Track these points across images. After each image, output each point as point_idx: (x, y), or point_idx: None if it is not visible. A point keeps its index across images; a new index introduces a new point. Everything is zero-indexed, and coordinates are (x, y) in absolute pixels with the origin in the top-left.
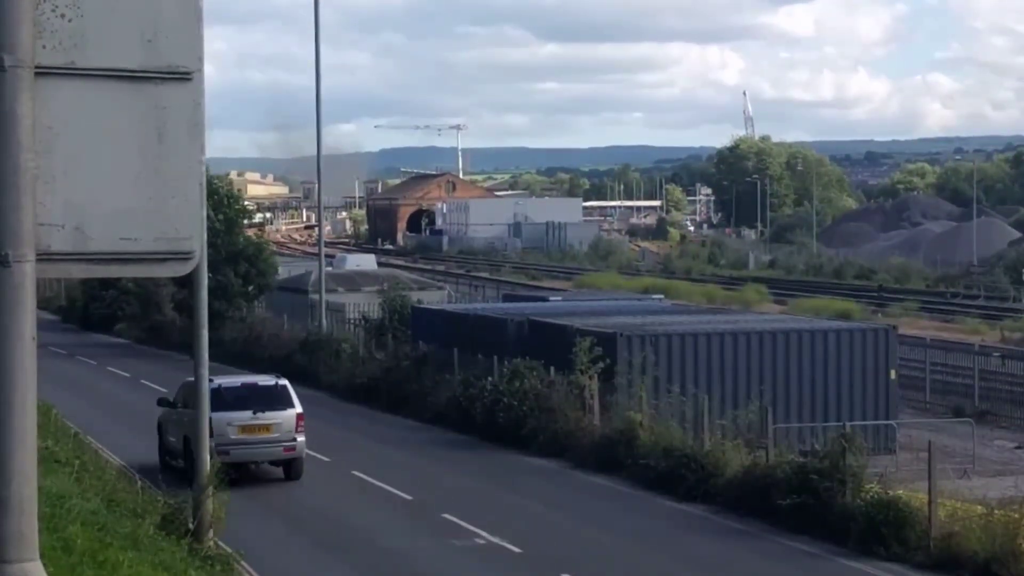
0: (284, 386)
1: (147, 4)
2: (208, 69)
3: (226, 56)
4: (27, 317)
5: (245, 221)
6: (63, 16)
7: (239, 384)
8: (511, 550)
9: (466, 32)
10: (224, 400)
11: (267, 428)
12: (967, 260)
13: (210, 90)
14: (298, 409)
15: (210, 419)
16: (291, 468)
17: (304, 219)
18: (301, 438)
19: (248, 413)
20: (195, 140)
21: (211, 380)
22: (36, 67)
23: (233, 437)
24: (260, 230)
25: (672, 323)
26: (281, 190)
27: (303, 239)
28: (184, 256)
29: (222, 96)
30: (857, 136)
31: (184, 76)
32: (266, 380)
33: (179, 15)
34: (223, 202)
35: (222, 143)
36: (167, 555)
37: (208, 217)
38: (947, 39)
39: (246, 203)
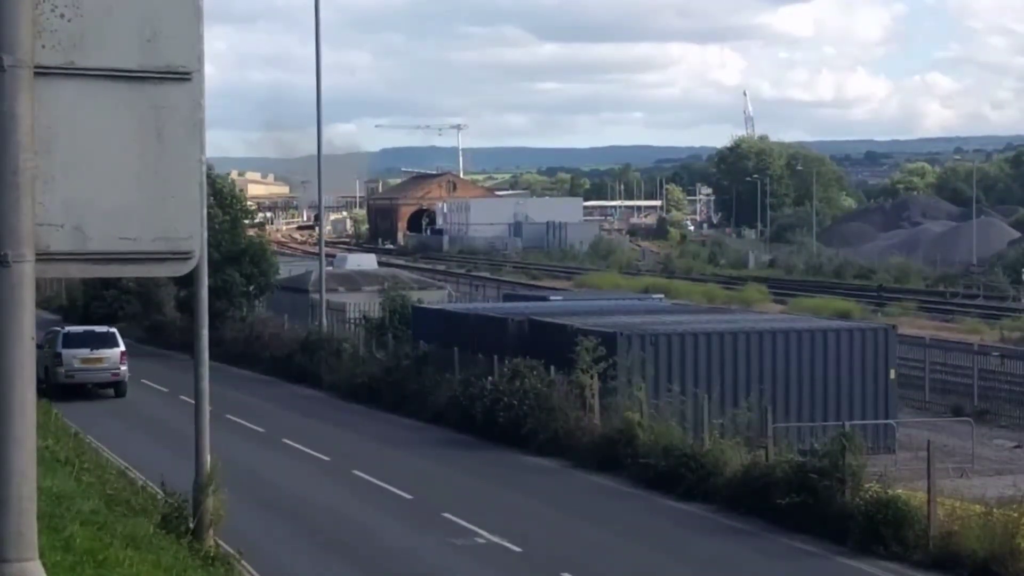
0: (113, 333)
1: (146, 4)
2: (207, 69)
3: (225, 56)
4: (26, 317)
5: (247, 221)
6: (62, 16)
7: (82, 331)
8: (511, 549)
9: (466, 32)
10: (72, 341)
11: (100, 360)
12: (967, 260)
13: (208, 90)
14: (122, 348)
15: (62, 353)
16: (117, 388)
17: (304, 218)
18: (124, 367)
19: (87, 350)
20: (194, 140)
21: (63, 327)
22: (35, 67)
23: (77, 366)
24: (261, 230)
25: (672, 323)
26: (281, 190)
27: (303, 239)
28: (183, 256)
29: (220, 96)
30: (857, 136)
31: (183, 76)
32: (101, 328)
33: (179, 15)
34: (227, 201)
35: (217, 142)
36: (167, 554)
37: (215, 216)
38: (946, 39)
39: (248, 203)
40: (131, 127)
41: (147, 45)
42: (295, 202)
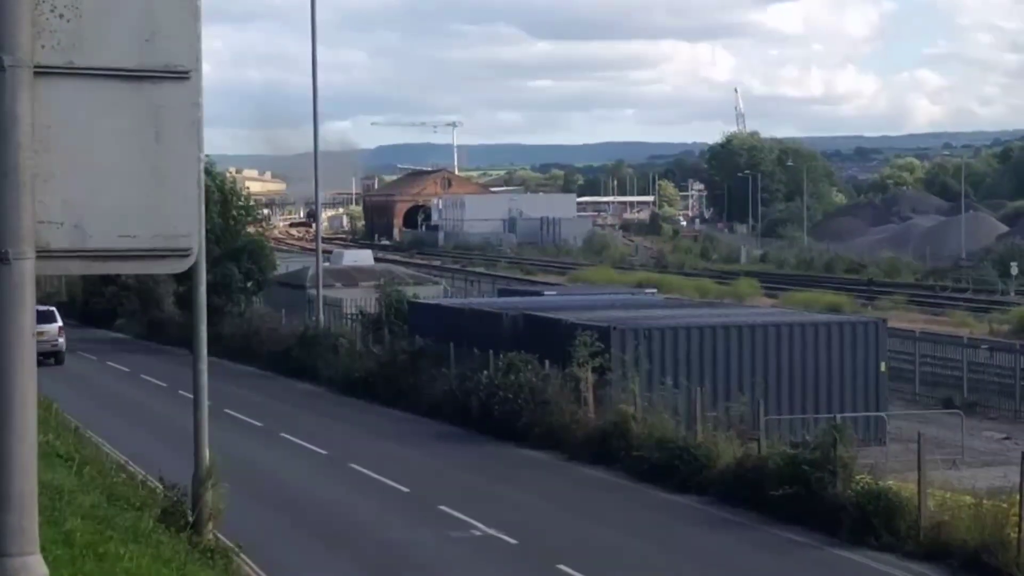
0: (52, 311)
1: (145, 4)
2: (205, 67)
3: (222, 55)
4: (27, 314)
5: (248, 218)
6: (62, 16)
7: None
8: (507, 541)
9: (460, 30)
10: None
11: (41, 334)
12: (956, 254)
13: (206, 88)
14: (59, 324)
15: None
16: (57, 357)
17: (301, 215)
18: (62, 339)
19: None
20: (193, 138)
21: None
22: (35, 67)
23: None
24: (262, 226)
25: (665, 317)
26: (279, 187)
27: (300, 235)
28: (182, 253)
29: (218, 94)
30: (847, 132)
31: (182, 75)
32: (42, 307)
33: (177, 15)
34: (226, 198)
35: (214, 139)
36: (167, 548)
37: (214, 213)
38: (934, 36)
39: (251, 202)
40: (130, 126)
41: (145, 45)
42: (292, 199)
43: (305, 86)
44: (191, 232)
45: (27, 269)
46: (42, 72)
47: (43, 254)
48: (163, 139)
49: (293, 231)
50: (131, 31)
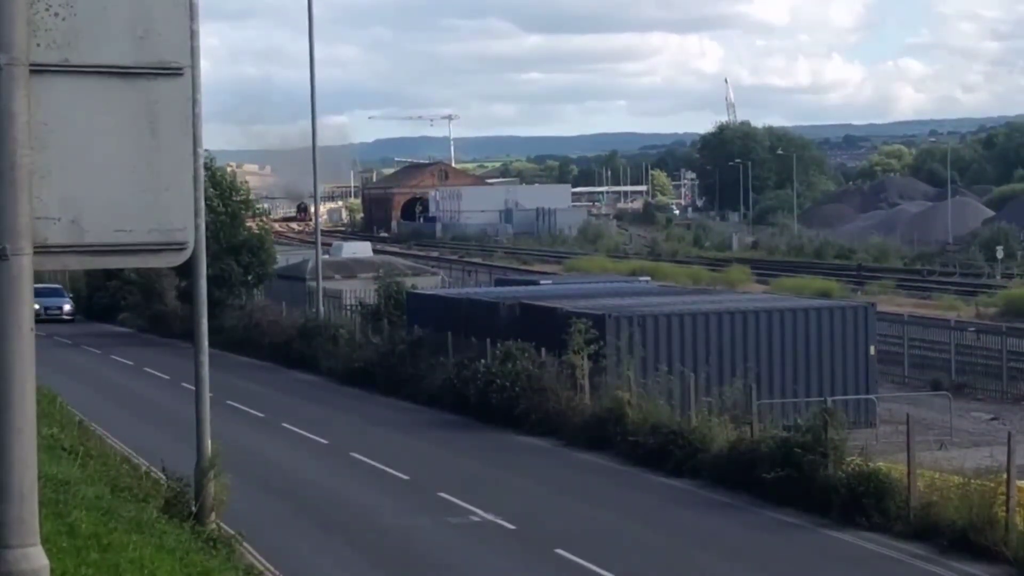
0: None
1: (138, 2)
2: (204, 64)
3: (219, 51)
4: (25, 309)
5: (248, 212)
6: (57, 15)
7: None
8: (505, 527)
9: (453, 25)
10: None
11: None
12: (943, 239)
13: (205, 84)
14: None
15: None
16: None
17: (298, 209)
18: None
19: None
20: (187, 133)
21: None
22: (31, 65)
23: None
24: (263, 220)
25: (659, 304)
26: (277, 180)
27: (300, 228)
28: (178, 247)
29: (217, 91)
30: (835, 120)
31: (176, 71)
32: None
33: (170, 12)
34: (226, 193)
35: (214, 135)
36: (170, 538)
37: (214, 209)
38: (917, 25)
39: (251, 197)
40: (125, 122)
41: (139, 42)
42: (290, 191)
43: (301, 81)
44: (186, 226)
45: (25, 264)
46: (38, 70)
47: (41, 249)
48: (158, 135)
49: (293, 224)
50: (125, 28)
